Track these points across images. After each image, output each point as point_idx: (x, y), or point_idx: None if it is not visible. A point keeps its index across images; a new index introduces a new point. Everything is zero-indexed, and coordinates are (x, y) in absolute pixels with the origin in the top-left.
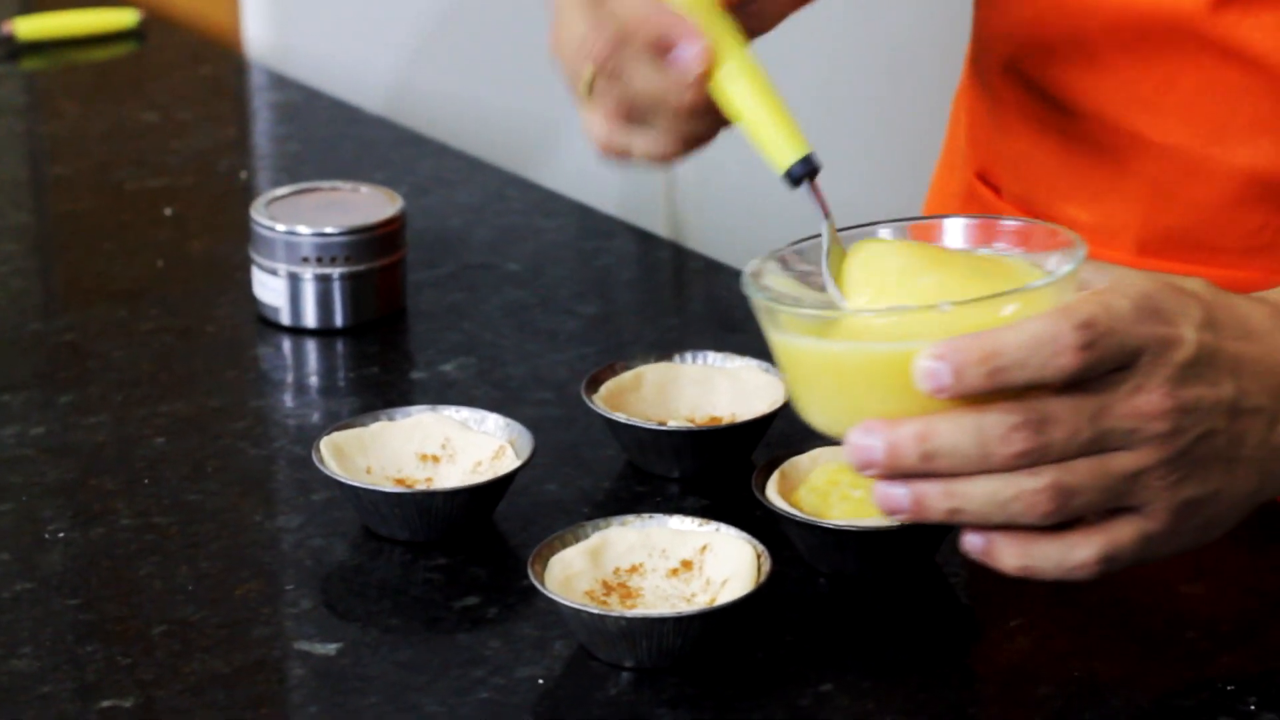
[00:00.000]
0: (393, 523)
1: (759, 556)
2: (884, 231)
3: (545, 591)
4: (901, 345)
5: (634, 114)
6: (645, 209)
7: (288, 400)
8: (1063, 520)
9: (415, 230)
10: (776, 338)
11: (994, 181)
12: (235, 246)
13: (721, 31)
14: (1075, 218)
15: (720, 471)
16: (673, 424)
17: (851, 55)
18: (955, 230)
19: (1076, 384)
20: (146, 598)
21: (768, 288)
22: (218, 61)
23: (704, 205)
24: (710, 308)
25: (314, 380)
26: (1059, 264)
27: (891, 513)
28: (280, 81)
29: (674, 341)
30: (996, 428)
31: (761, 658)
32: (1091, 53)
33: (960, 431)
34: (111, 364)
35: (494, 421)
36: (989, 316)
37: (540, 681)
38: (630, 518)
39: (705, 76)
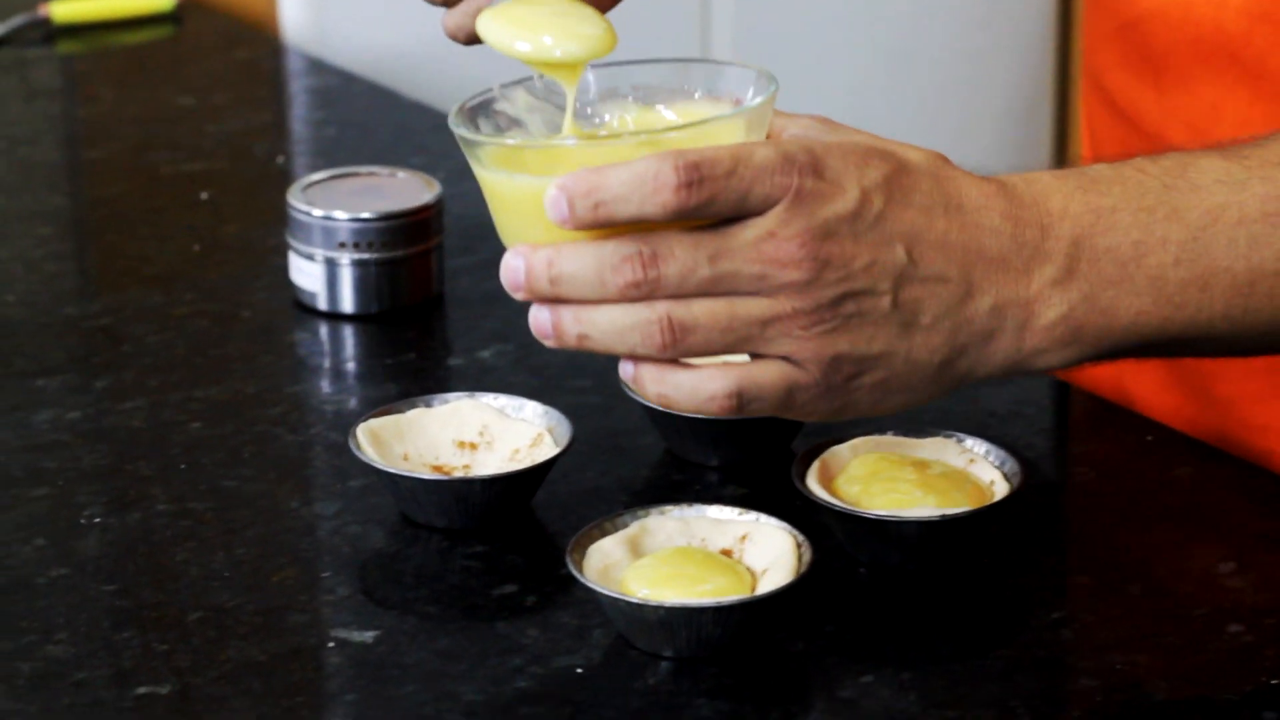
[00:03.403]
0: (430, 510)
1: (799, 546)
2: (590, 75)
3: (584, 580)
4: (540, 179)
5: None
6: None
7: (324, 386)
8: (682, 356)
9: (452, 216)
10: (472, 166)
11: None
12: (271, 231)
13: None
14: None
15: (759, 460)
16: None
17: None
18: (660, 73)
19: (708, 226)
20: (183, 584)
21: (499, 114)
22: (254, 45)
23: None
24: None
25: (351, 366)
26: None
27: (540, 337)
28: (316, 66)
29: None
30: (611, 257)
31: (801, 648)
32: (1157, 72)
33: (580, 259)
34: (147, 348)
35: (532, 409)
36: (630, 156)
37: (579, 670)
38: (669, 506)
39: None
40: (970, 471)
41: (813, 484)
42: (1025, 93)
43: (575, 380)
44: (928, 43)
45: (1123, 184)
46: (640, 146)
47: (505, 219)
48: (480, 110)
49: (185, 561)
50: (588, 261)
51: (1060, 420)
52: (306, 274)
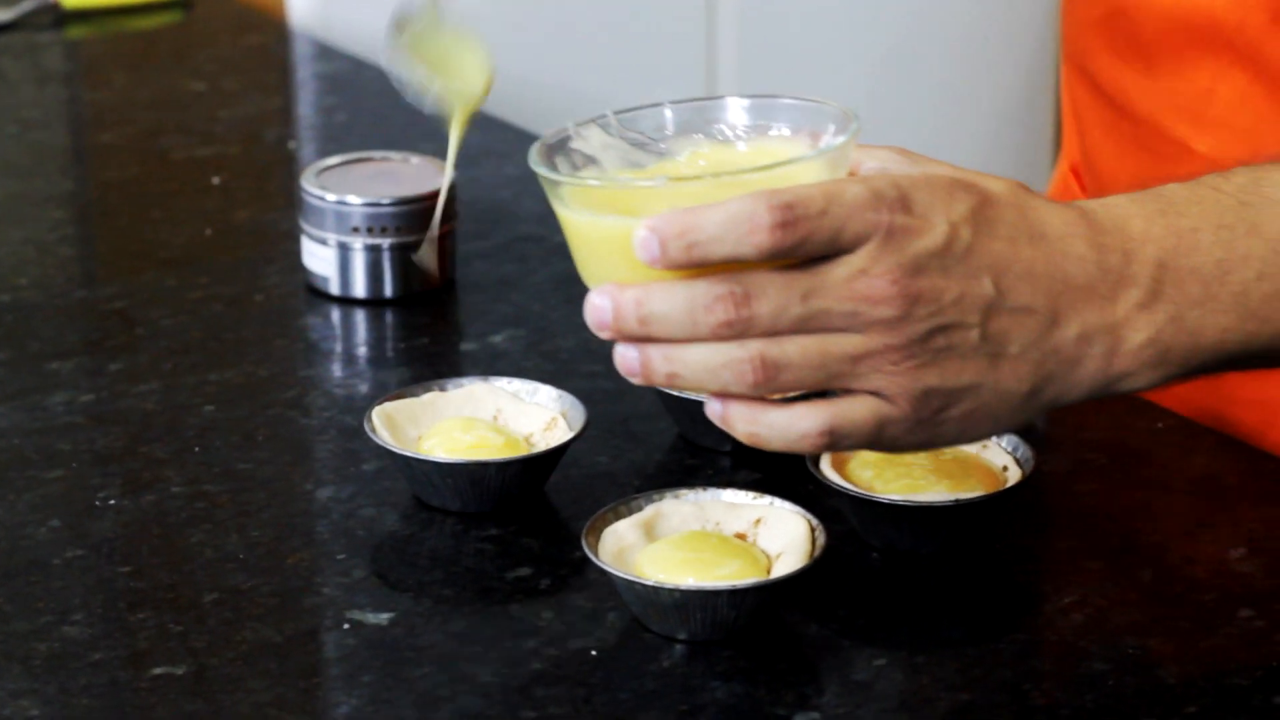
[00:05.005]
0: (444, 493)
1: (813, 530)
2: (668, 112)
3: (599, 563)
4: (625, 220)
5: None
6: None
7: (337, 370)
8: (775, 393)
9: (464, 201)
10: (553, 205)
11: (1081, 179)
12: (283, 216)
13: None
14: None
15: None
16: None
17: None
18: (736, 109)
19: (799, 264)
20: (197, 566)
21: (574, 151)
22: (264, 31)
23: None
24: None
25: (363, 351)
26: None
27: (627, 375)
28: (326, 51)
29: None
30: (703, 297)
31: (815, 631)
32: (1147, 58)
33: (671, 298)
34: (160, 332)
35: (546, 393)
36: (715, 195)
37: (593, 653)
38: (684, 490)
39: None
40: (982, 457)
41: (826, 469)
42: (1025, 94)
43: (588, 365)
44: (928, 46)
45: (1200, 204)
46: (728, 187)
47: (589, 258)
48: (557, 149)
49: (200, 543)
50: (678, 301)
51: (1072, 406)
52: (319, 259)
